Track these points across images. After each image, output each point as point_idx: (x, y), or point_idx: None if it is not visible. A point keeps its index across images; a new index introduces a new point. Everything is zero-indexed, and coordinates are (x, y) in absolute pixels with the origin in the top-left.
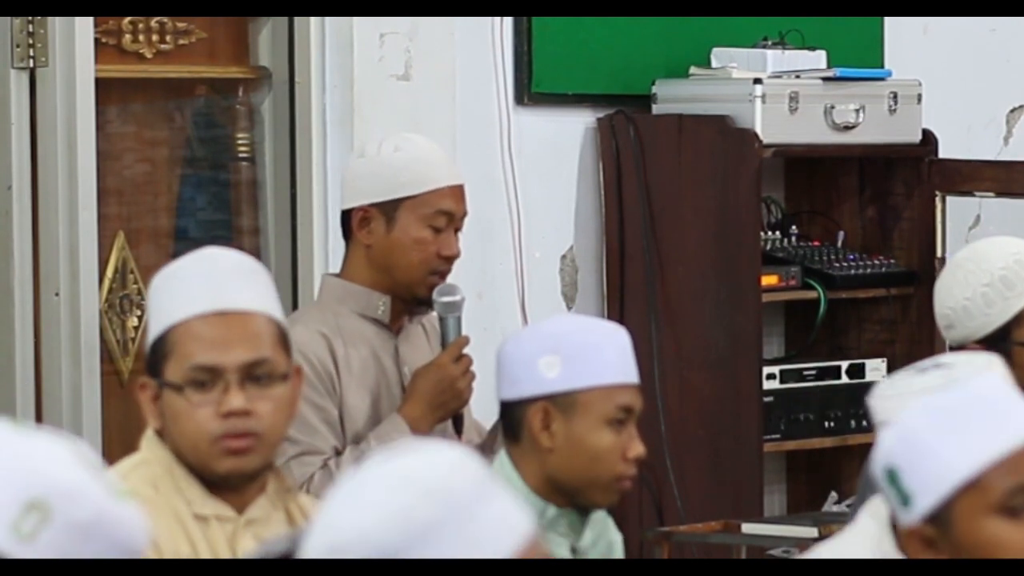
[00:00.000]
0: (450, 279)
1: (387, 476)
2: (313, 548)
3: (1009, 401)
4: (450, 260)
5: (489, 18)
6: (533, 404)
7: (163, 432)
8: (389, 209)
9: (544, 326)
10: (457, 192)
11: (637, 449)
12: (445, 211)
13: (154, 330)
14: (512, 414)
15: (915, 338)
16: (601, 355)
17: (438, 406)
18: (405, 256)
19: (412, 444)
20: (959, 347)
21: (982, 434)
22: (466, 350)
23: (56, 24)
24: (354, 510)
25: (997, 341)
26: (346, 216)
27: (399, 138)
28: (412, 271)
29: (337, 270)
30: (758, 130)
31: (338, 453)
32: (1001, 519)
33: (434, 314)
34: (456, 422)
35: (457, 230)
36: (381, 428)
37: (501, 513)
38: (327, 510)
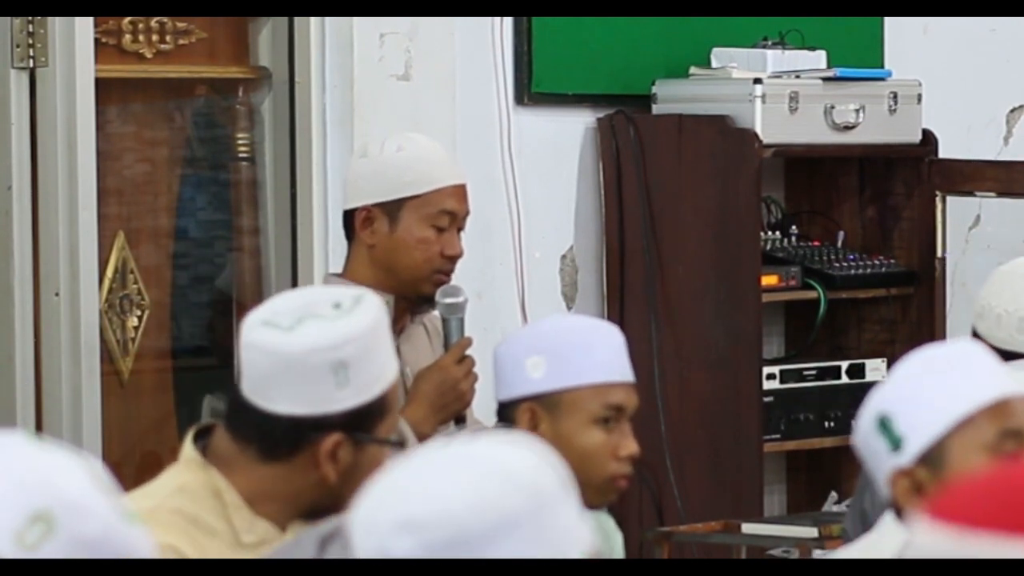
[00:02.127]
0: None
1: (477, 461)
2: (382, 520)
3: (995, 363)
4: (453, 260)
5: (489, 18)
6: (521, 405)
7: (339, 485)
8: (392, 209)
9: (535, 327)
10: (460, 192)
11: (630, 447)
12: (448, 211)
13: (373, 389)
14: (505, 415)
15: (915, 338)
16: (587, 354)
17: (441, 408)
18: (408, 255)
19: (493, 433)
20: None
21: (975, 379)
22: (468, 351)
23: (56, 24)
24: (440, 489)
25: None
26: (349, 216)
27: (402, 138)
28: (416, 270)
29: (337, 270)
30: (758, 130)
31: None
32: (993, 461)
33: (436, 314)
34: (459, 423)
35: (460, 229)
36: None
37: (574, 518)
38: (398, 482)
